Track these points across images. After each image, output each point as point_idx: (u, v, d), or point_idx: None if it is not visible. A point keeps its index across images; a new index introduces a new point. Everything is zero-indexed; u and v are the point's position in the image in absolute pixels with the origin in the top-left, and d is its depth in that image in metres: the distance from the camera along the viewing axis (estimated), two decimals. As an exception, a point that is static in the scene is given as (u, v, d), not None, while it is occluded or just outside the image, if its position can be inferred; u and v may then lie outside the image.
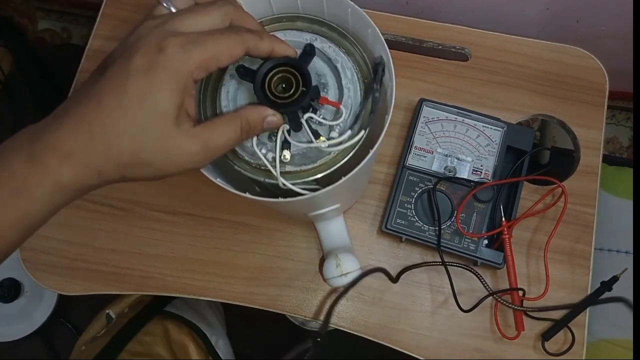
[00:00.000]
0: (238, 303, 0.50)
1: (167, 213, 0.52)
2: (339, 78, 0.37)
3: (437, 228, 0.47)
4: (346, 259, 0.44)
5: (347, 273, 0.44)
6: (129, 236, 0.52)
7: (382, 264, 0.50)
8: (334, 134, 0.36)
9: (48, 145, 0.26)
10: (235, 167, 0.37)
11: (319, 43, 0.38)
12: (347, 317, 0.49)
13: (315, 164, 0.36)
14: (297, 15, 0.40)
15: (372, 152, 0.35)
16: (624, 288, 0.49)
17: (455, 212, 0.48)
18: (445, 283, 0.47)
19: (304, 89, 0.33)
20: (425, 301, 0.49)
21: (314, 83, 0.36)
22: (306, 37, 0.38)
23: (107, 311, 0.62)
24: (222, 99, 0.37)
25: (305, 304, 0.50)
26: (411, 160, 0.50)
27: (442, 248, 0.47)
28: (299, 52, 0.36)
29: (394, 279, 0.48)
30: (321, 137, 0.35)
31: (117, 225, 0.52)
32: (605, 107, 0.53)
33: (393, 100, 0.36)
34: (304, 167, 0.36)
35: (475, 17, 0.67)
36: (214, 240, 0.51)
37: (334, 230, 0.46)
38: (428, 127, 0.51)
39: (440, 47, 0.56)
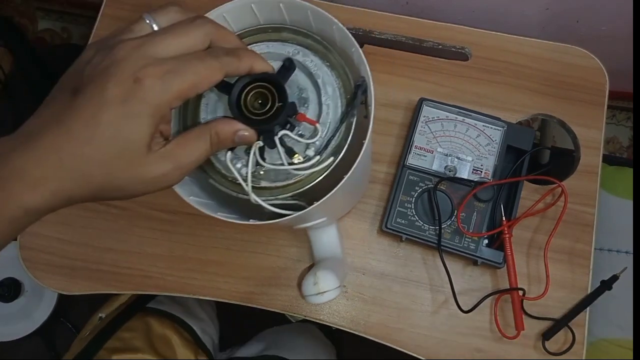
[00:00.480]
0: (238, 302, 0.50)
1: (167, 212, 0.52)
2: (319, 94, 0.36)
3: (437, 227, 0.47)
4: (324, 277, 0.42)
5: (325, 292, 0.42)
6: (129, 236, 0.52)
7: (382, 263, 0.50)
8: (310, 152, 0.35)
9: (14, 172, 0.26)
10: (210, 180, 0.36)
11: (301, 56, 0.37)
12: (347, 317, 0.49)
13: (291, 181, 0.35)
14: (284, 26, 0.39)
15: (345, 177, 0.34)
16: (624, 287, 0.49)
17: (456, 211, 0.48)
18: (446, 282, 0.47)
19: (280, 104, 0.32)
20: (426, 301, 0.49)
21: (295, 97, 0.36)
22: (289, 50, 0.37)
23: (99, 314, 0.62)
24: (201, 111, 0.36)
25: (305, 303, 0.50)
26: (411, 160, 0.50)
27: (442, 247, 0.47)
28: (279, 65, 0.35)
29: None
30: (296, 155, 0.34)
31: (117, 224, 0.52)
32: (606, 106, 0.53)
33: (371, 125, 0.35)
34: (278, 184, 0.35)
35: (475, 17, 0.67)
36: (213, 240, 0.51)
37: (325, 239, 0.46)
38: (428, 127, 0.51)
39: (440, 46, 0.56)
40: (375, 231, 0.51)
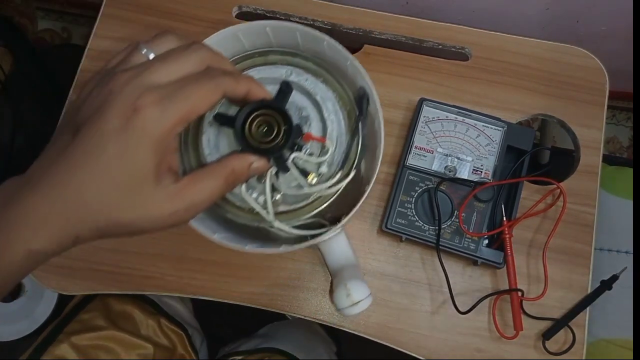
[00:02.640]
0: (238, 302, 0.50)
1: (167, 213, 0.52)
2: (320, 111, 0.36)
3: (437, 228, 0.47)
4: (355, 288, 0.41)
5: (359, 302, 0.41)
6: (129, 236, 0.52)
7: (381, 264, 0.50)
8: (323, 169, 0.35)
9: (20, 214, 0.26)
10: (228, 215, 0.36)
11: (295, 77, 0.37)
12: (347, 317, 0.49)
13: (308, 201, 0.36)
14: (270, 49, 0.39)
15: (368, 188, 0.35)
16: (624, 287, 0.49)
17: (456, 211, 0.48)
18: (445, 283, 0.47)
19: (286, 128, 0.32)
20: (425, 301, 0.49)
21: (295, 118, 0.36)
22: (281, 72, 0.37)
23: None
24: (204, 147, 0.36)
25: (306, 303, 0.50)
26: (411, 160, 0.50)
27: (442, 247, 0.47)
28: (275, 88, 0.35)
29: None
30: (311, 175, 0.35)
31: (117, 224, 0.52)
32: (606, 106, 0.53)
33: (382, 133, 0.35)
34: (297, 206, 0.36)
35: (475, 17, 0.67)
36: (214, 240, 0.51)
37: (337, 248, 0.46)
38: (428, 127, 0.51)
39: (440, 46, 0.56)
40: (375, 231, 0.51)
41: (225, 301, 0.50)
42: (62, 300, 0.95)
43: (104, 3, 0.58)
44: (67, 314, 0.58)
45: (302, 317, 0.49)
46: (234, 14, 0.57)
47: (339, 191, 0.36)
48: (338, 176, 0.35)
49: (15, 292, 0.91)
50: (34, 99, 0.97)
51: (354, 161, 0.36)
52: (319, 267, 0.50)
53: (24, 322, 0.91)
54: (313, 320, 0.49)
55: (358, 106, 0.37)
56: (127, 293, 0.51)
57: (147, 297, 0.62)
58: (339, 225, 0.35)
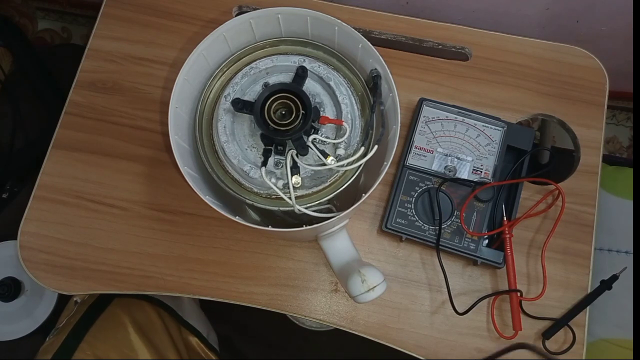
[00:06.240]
0: (238, 302, 0.50)
1: (167, 213, 0.52)
2: (334, 95, 0.37)
3: (437, 227, 0.47)
4: (370, 273, 0.40)
5: (375, 286, 0.40)
6: (129, 236, 0.52)
7: (381, 264, 0.50)
8: (340, 151, 0.36)
9: None
10: (247, 201, 0.37)
11: (308, 64, 0.38)
12: (347, 317, 0.49)
13: (326, 184, 0.36)
14: (280, 39, 0.40)
15: (387, 164, 0.35)
16: (624, 287, 0.49)
17: (457, 211, 0.48)
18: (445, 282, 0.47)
19: (304, 112, 0.33)
20: (425, 300, 0.49)
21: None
22: (294, 60, 0.38)
23: (75, 298, 0.61)
24: (220, 134, 0.36)
25: (305, 303, 0.50)
26: (411, 160, 0.50)
27: (442, 247, 0.47)
28: (289, 77, 0.36)
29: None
30: (329, 157, 0.35)
31: (117, 225, 0.52)
32: (605, 106, 0.53)
33: (399, 111, 0.36)
34: (315, 189, 0.36)
35: (475, 17, 0.67)
36: (213, 240, 0.51)
37: (339, 245, 0.46)
38: (428, 127, 0.51)
39: (440, 46, 0.56)
40: (375, 231, 0.51)
41: (225, 301, 0.50)
42: (62, 300, 0.95)
43: (104, 3, 0.58)
44: (80, 319, 0.57)
45: (302, 316, 0.49)
46: (234, 14, 0.57)
47: (355, 175, 0.36)
48: (359, 154, 0.36)
49: (15, 292, 0.91)
50: (34, 99, 0.97)
51: (375, 139, 0.37)
52: (319, 267, 0.50)
53: (24, 322, 0.91)
54: (313, 319, 0.49)
55: (374, 86, 0.38)
56: (128, 293, 0.51)
57: (165, 304, 0.61)
58: (358, 203, 0.35)
